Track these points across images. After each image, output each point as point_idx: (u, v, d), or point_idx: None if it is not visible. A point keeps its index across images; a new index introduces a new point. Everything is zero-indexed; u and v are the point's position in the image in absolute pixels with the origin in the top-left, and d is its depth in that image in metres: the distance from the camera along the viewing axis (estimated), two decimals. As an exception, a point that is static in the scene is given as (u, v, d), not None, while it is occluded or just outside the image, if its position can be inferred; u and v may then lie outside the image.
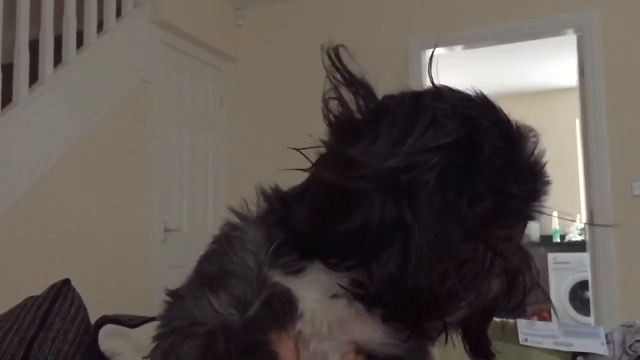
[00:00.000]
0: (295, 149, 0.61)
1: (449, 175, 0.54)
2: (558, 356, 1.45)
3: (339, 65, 0.59)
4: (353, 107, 0.59)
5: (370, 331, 0.58)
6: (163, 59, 3.60)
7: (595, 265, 3.41)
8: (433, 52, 0.64)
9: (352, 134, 0.57)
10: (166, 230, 3.52)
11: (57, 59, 2.89)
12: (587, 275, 3.90)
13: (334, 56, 0.59)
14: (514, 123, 0.59)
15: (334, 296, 0.57)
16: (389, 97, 0.59)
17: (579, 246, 5.26)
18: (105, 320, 1.29)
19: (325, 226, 0.56)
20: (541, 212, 0.61)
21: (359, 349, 0.59)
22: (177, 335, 0.59)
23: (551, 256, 5.50)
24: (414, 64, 3.69)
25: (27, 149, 2.68)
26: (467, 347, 0.62)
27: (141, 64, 3.40)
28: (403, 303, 0.54)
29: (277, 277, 0.58)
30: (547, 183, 0.60)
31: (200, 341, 0.57)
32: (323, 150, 0.60)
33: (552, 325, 1.56)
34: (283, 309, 0.58)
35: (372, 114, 0.58)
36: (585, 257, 4.00)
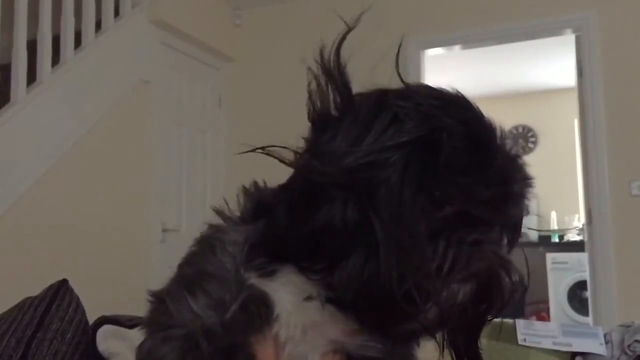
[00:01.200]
0: (259, 149, 0.60)
1: (409, 176, 0.52)
2: (557, 356, 1.45)
3: (326, 57, 0.58)
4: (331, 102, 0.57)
5: (344, 333, 0.57)
6: (161, 58, 3.59)
7: (593, 265, 3.41)
8: (399, 50, 0.61)
9: (326, 130, 0.56)
10: (164, 230, 3.52)
11: (55, 59, 2.88)
12: (586, 275, 3.90)
13: (330, 49, 0.58)
14: (486, 123, 0.57)
15: (308, 298, 0.56)
16: (358, 95, 0.58)
17: (577, 246, 5.26)
18: (103, 320, 1.29)
19: (295, 227, 0.55)
20: (514, 217, 0.59)
21: (338, 349, 0.58)
22: (157, 338, 0.59)
23: (550, 256, 5.50)
24: (413, 64, 3.69)
25: (25, 149, 2.68)
26: (452, 354, 0.60)
27: (139, 63, 3.40)
28: (363, 306, 0.53)
29: (253, 279, 0.58)
30: (524, 186, 0.58)
31: (179, 343, 0.57)
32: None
33: (551, 325, 1.55)
34: (259, 312, 0.57)
35: (342, 110, 0.57)
36: (583, 257, 4.00)
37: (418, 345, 0.61)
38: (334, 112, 0.57)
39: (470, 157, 0.54)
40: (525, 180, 0.58)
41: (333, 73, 0.57)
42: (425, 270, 0.52)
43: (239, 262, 0.59)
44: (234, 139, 4.09)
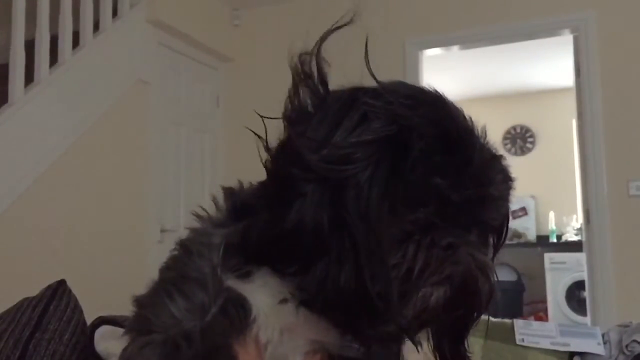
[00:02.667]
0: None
1: (376, 176, 0.51)
2: (555, 356, 1.45)
3: (298, 60, 0.58)
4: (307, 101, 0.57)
5: (322, 335, 0.57)
6: (159, 59, 3.59)
7: (591, 265, 3.42)
8: (366, 46, 0.60)
9: (299, 126, 0.56)
10: (163, 230, 3.51)
11: (53, 59, 2.88)
12: (584, 275, 3.91)
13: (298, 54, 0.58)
14: (462, 124, 0.55)
15: (283, 300, 0.55)
16: (333, 92, 0.57)
17: (575, 246, 5.27)
18: (101, 321, 1.29)
19: (268, 228, 0.54)
20: (492, 219, 0.58)
21: (319, 349, 0.58)
22: (138, 343, 0.59)
23: (548, 256, 5.50)
24: (411, 64, 3.70)
25: (22, 149, 2.67)
26: (437, 358, 0.59)
27: (137, 64, 3.40)
28: (333, 310, 0.52)
29: (230, 282, 0.57)
30: (503, 189, 0.57)
31: (160, 348, 0.57)
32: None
33: (549, 326, 1.56)
34: (238, 314, 0.57)
35: (315, 108, 0.56)
36: (582, 257, 4.00)
37: (402, 345, 0.60)
38: (310, 109, 0.56)
39: (443, 158, 0.53)
40: (504, 183, 0.57)
41: (310, 73, 0.57)
42: (395, 274, 0.51)
43: (216, 264, 0.58)
44: (232, 139, 4.08)
